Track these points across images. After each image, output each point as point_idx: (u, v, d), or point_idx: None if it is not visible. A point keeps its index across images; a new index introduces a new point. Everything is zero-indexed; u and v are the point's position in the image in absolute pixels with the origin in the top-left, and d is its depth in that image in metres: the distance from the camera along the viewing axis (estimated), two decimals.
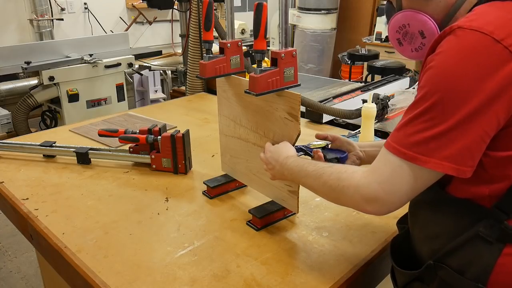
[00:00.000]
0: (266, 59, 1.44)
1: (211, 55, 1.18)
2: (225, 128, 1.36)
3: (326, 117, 2.01)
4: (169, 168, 1.51)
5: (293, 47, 1.14)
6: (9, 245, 2.85)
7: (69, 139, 1.82)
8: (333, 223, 1.20)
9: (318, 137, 1.20)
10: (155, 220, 1.23)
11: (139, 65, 4.14)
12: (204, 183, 1.37)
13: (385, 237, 1.13)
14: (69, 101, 3.50)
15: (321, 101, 2.08)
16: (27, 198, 1.35)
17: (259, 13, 0.99)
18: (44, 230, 1.18)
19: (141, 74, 4.22)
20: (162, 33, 5.38)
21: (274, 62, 1.05)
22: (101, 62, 3.61)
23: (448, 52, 0.74)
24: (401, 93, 2.27)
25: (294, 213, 1.23)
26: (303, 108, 1.97)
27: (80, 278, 1.02)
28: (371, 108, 1.70)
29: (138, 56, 4.09)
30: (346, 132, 1.90)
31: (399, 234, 1.02)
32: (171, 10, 4.33)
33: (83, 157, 1.59)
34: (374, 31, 5.58)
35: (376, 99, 1.94)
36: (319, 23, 5.45)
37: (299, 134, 1.09)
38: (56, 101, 3.56)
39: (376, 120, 1.88)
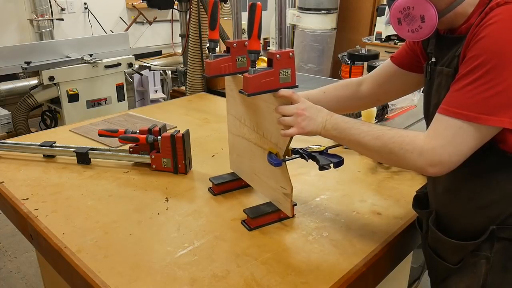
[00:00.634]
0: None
1: (216, 54, 1.18)
2: (232, 126, 1.37)
3: None
4: (169, 168, 1.51)
5: (293, 47, 1.14)
6: (9, 245, 2.85)
7: (69, 139, 1.82)
8: (333, 223, 1.20)
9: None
10: (155, 220, 1.23)
11: (139, 65, 4.14)
12: (209, 179, 1.37)
13: (385, 237, 1.13)
14: (69, 101, 3.50)
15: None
16: (27, 198, 1.35)
17: (253, 13, 0.99)
18: (44, 230, 1.18)
19: (141, 74, 4.22)
20: (162, 33, 5.38)
21: (269, 63, 1.04)
22: (101, 62, 3.61)
23: (502, 23, 0.82)
24: None
25: (289, 217, 1.22)
26: None
27: (80, 278, 1.02)
28: (371, 108, 1.70)
29: (138, 56, 4.09)
30: None
31: (433, 216, 1.06)
32: (171, 10, 4.33)
33: (83, 157, 1.59)
34: (374, 31, 5.58)
35: None
36: (319, 23, 5.45)
37: (292, 137, 1.08)
38: (56, 101, 3.56)
39: (376, 120, 1.88)
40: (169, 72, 4.47)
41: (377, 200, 1.32)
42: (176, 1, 3.46)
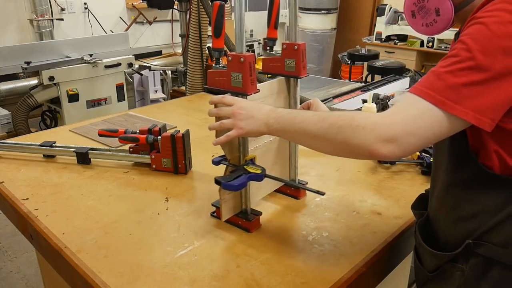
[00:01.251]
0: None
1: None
2: None
3: None
4: (169, 168, 1.51)
5: None
6: (9, 245, 2.85)
7: (69, 139, 1.82)
8: (333, 223, 1.20)
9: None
10: (155, 220, 1.23)
11: (139, 65, 4.14)
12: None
13: (385, 237, 1.13)
14: (69, 101, 3.50)
15: (321, 101, 2.08)
16: (27, 198, 1.35)
17: (220, 13, 0.99)
18: (44, 230, 1.18)
19: (141, 74, 4.22)
20: (162, 33, 5.38)
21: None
22: (101, 62, 3.61)
23: (500, 13, 0.75)
24: (401, 93, 2.27)
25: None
26: None
27: (80, 278, 1.02)
28: (371, 108, 1.70)
29: (138, 56, 4.10)
30: None
31: (423, 218, 1.02)
32: (171, 10, 4.33)
33: (83, 157, 1.59)
34: (374, 31, 5.59)
35: (376, 99, 1.95)
36: (319, 23, 5.46)
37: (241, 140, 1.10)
38: (56, 101, 3.56)
39: None
40: (169, 72, 4.48)
41: (377, 200, 1.32)
42: (176, 1, 3.46)
